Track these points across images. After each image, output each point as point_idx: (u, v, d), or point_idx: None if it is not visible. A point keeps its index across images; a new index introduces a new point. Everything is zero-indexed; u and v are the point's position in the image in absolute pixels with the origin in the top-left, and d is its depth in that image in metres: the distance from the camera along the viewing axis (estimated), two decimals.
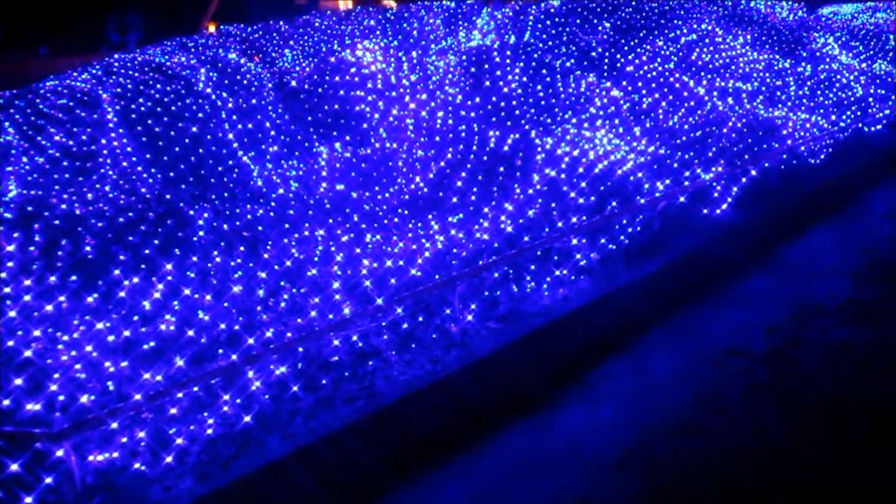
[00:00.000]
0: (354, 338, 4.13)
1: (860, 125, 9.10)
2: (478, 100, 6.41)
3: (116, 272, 4.52)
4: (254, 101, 6.85)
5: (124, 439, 3.37)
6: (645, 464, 3.61)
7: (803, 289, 5.49)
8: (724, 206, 6.29)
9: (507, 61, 7.21)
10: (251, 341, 3.68)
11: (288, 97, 7.09)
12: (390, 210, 5.21)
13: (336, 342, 4.01)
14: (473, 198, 5.13)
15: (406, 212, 5.20)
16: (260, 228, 5.19)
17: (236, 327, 3.99)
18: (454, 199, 5.13)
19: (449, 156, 5.44)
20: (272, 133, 6.52)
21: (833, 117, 8.78)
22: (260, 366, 3.67)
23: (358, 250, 4.70)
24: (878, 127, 9.55)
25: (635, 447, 3.73)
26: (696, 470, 3.55)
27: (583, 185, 5.46)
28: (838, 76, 10.07)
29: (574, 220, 5.16)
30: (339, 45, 8.04)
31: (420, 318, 4.38)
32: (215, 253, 4.81)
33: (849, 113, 9.07)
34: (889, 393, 4.03)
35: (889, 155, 9.12)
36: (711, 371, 4.40)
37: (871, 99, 9.83)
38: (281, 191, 5.63)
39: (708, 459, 3.61)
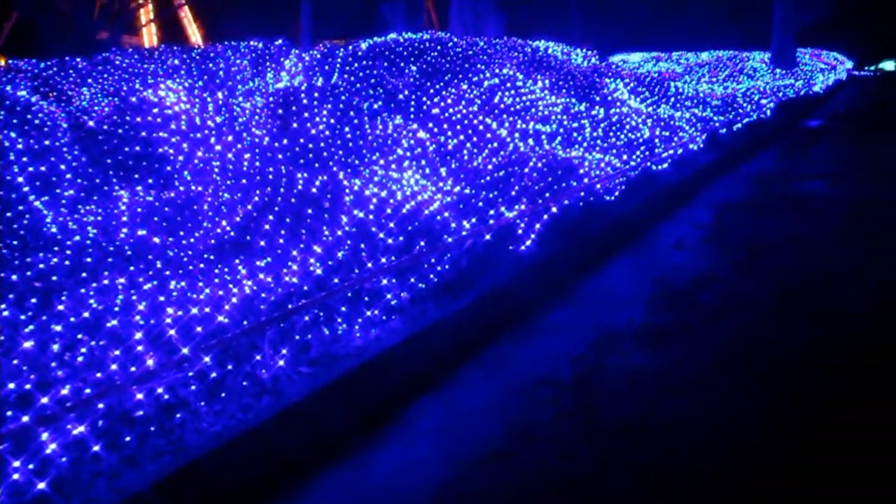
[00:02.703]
0: (160, 390, 3.95)
1: (648, 164, 9.81)
2: (285, 141, 6.37)
3: None
4: (47, 142, 6.48)
5: None
6: (460, 496, 3.67)
7: (604, 317, 5.82)
8: (528, 243, 6.56)
9: (315, 103, 7.22)
10: (45, 400, 3.45)
11: (85, 138, 6.76)
12: (195, 255, 5.06)
13: (140, 396, 3.83)
14: (281, 241, 5.08)
15: (212, 256, 5.07)
16: (54, 278, 4.89)
17: (28, 386, 3.73)
18: (262, 243, 5.06)
19: (256, 198, 5.37)
20: (67, 176, 6.18)
21: (624, 157, 9.42)
22: (56, 426, 3.45)
23: (161, 298, 4.52)
24: (664, 165, 10.34)
25: (452, 481, 3.80)
26: (509, 498, 3.66)
27: (391, 225, 5.54)
28: (628, 119, 10.83)
29: (383, 260, 5.22)
30: (141, 84, 7.78)
31: (229, 366, 4.27)
32: (2, 306, 4.48)
33: (638, 153, 9.76)
34: (684, 412, 4.33)
35: (674, 191, 9.88)
36: (522, 402, 4.56)
37: (657, 140, 10.64)
38: (77, 237, 5.34)
39: (520, 486, 3.74)
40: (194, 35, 29.42)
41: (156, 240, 5.19)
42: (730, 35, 38.05)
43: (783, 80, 23.84)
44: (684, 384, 4.68)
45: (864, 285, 6.38)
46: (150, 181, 6.12)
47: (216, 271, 4.89)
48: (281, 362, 4.32)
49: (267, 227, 5.19)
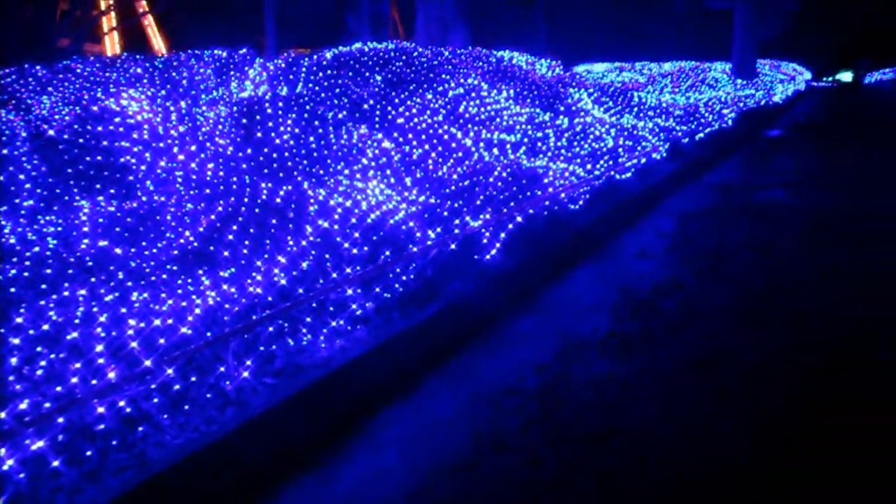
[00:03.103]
0: (122, 403, 3.90)
1: (612, 173, 9.90)
2: (249, 151, 6.33)
3: None
4: (5, 151, 6.39)
5: None
6: None
7: (569, 326, 5.85)
8: (493, 252, 6.59)
9: (280, 112, 7.19)
10: (2, 415, 3.39)
11: (45, 147, 6.66)
12: (158, 266, 5.01)
13: (101, 409, 3.78)
14: (245, 251, 5.04)
15: (175, 267, 5.02)
16: (12, 290, 4.81)
17: None
18: (225, 253, 5.02)
19: (220, 208, 5.33)
20: (27, 186, 6.09)
21: (588, 166, 9.50)
22: (13, 442, 3.39)
23: (123, 310, 4.47)
24: (628, 175, 10.44)
25: (418, 491, 3.79)
26: None
27: (356, 235, 5.53)
28: (592, 128, 10.93)
29: (348, 270, 5.20)
30: (102, 93, 7.69)
31: (192, 378, 4.23)
32: None
33: (602, 162, 9.85)
34: (649, 419, 4.36)
35: (637, 200, 9.98)
36: (488, 411, 4.56)
37: (620, 149, 10.74)
38: (36, 248, 5.26)
39: (487, 495, 3.73)
40: (158, 44, 29.18)
41: (117, 250, 5.13)
42: (692, 46, 38.57)
43: (744, 90, 24.23)
44: (649, 392, 4.72)
45: (825, 292, 6.48)
46: (111, 191, 6.04)
47: (179, 282, 4.85)
48: (245, 374, 4.28)
49: (231, 237, 5.15)
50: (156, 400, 4.01)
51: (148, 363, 3.87)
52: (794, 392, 4.62)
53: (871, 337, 5.42)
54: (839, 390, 4.61)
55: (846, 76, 53.06)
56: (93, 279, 4.78)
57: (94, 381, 3.80)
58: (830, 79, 52.12)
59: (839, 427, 4.18)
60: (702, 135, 15.33)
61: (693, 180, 12.51)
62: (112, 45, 26.38)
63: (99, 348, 4.03)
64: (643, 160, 11.38)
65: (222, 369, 4.26)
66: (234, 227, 5.23)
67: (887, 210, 9.80)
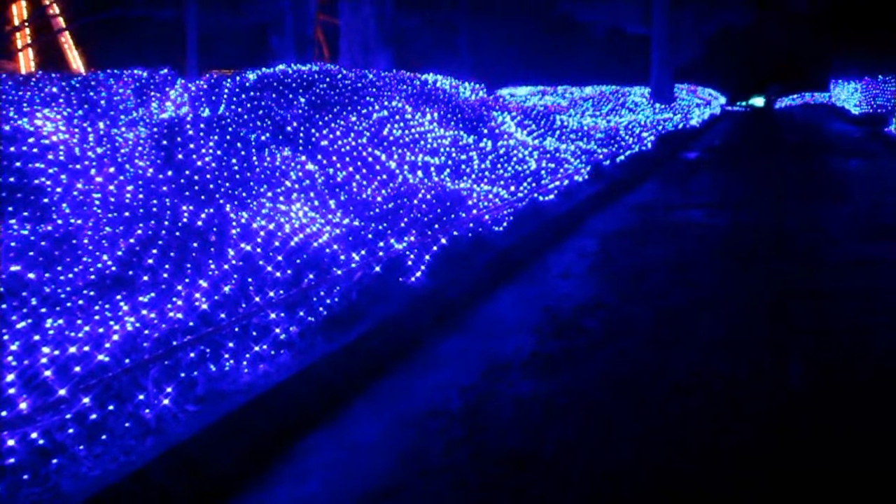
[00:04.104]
0: (34, 435, 3.78)
1: (536, 195, 10.05)
2: (170, 173, 6.23)
3: None
4: None
5: None
6: None
7: (493, 347, 5.90)
8: (418, 274, 6.61)
9: (201, 134, 7.10)
10: None
11: None
12: (74, 291, 4.87)
13: (11, 442, 3.64)
14: (165, 275, 4.95)
15: (92, 293, 4.89)
16: None
17: None
18: (145, 278, 4.91)
19: (139, 232, 5.22)
20: None
21: (512, 188, 9.63)
22: None
23: (37, 337, 4.32)
24: (551, 196, 10.62)
25: None
26: None
27: (279, 258, 5.48)
28: (515, 151, 11.09)
29: (271, 294, 5.15)
30: (15, 113, 7.46)
31: (110, 407, 4.11)
32: None
33: (525, 184, 9.99)
34: (572, 438, 4.42)
35: (560, 221, 10.15)
36: (413, 434, 4.56)
37: (543, 172, 10.92)
38: None
39: None
40: (75, 62, 28.44)
41: (31, 275, 4.97)
42: (612, 70, 39.48)
43: (662, 114, 24.91)
44: (571, 410, 4.79)
45: (739, 308, 6.69)
46: (25, 214, 5.85)
47: (97, 308, 4.72)
48: (166, 401, 4.19)
49: (150, 261, 5.05)
50: (71, 430, 3.89)
51: (63, 392, 3.75)
52: (712, 407, 4.76)
53: (781, 355, 5.62)
54: (749, 408, 4.76)
55: (759, 101, 55.06)
56: (3, 305, 4.62)
57: (3, 413, 3.67)
58: (744, 104, 54.00)
59: (755, 450, 4.31)
60: (622, 157, 15.69)
61: (614, 201, 12.78)
62: (27, 62, 25.61)
63: (9, 378, 3.89)
64: (566, 182, 11.58)
65: (142, 397, 4.16)
66: (154, 251, 5.13)
67: (796, 227, 10.21)
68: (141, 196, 5.75)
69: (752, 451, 4.19)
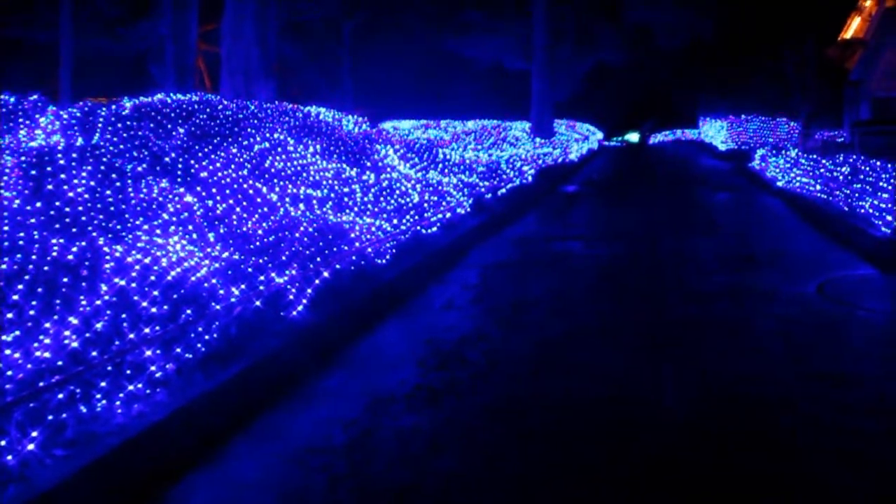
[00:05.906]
0: None
1: (418, 228, 10.13)
2: (39, 205, 5.97)
3: None
4: None
5: None
6: None
7: (376, 380, 5.90)
8: (300, 308, 6.55)
9: (73, 164, 6.85)
10: None
11: None
12: None
13: None
14: (32, 312, 4.73)
15: None
16: None
17: None
18: (9, 315, 4.68)
19: (3, 266, 4.98)
20: None
21: (395, 221, 9.69)
22: None
23: None
24: (434, 229, 10.73)
25: None
26: None
27: (155, 293, 5.33)
28: (398, 184, 11.16)
29: (147, 330, 5.00)
30: None
31: None
32: None
33: (408, 217, 10.07)
34: (453, 469, 4.45)
35: (443, 253, 10.26)
36: (294, 471, 4.50)
37: (426, 204, 11.03)
38: None
39: None
40: None
41: None
42: (494, 105, 40.34)
43: (542, 148, 25.58)
44: (454, 442, 4.83)
45: (614, 338, 6.92)
46: None
47: None
48: (31, 446, 3.98)
49: (16, 297, 4.82)
50: None
51: None
52: (589, 431, 4.89)
53: (653, 380, 5.85)
54: (626, 428, 4.92)
55: (634, 136, 57.27)
56: None
57: None
58: (620, 139, 56.08)
59: (638, 466, 4.46)
60: (504, 190, 16.03)
61: (496, 234, 13.02)
62: None
63: None
64: (448, 215, 11.73)
65: (3, 443, 3.94)
66: (20, 287, 4.89)
67: (668, 258, 10.65)
68: (6, 228, 5.49)
69: (637, 469, 4.33)
